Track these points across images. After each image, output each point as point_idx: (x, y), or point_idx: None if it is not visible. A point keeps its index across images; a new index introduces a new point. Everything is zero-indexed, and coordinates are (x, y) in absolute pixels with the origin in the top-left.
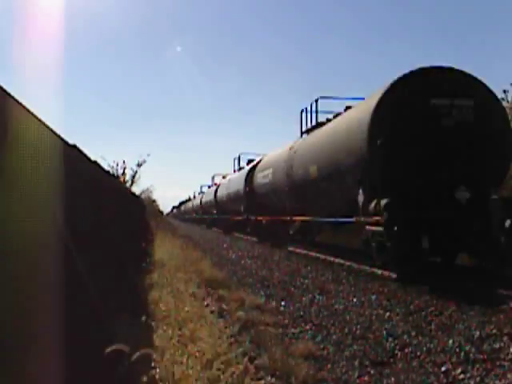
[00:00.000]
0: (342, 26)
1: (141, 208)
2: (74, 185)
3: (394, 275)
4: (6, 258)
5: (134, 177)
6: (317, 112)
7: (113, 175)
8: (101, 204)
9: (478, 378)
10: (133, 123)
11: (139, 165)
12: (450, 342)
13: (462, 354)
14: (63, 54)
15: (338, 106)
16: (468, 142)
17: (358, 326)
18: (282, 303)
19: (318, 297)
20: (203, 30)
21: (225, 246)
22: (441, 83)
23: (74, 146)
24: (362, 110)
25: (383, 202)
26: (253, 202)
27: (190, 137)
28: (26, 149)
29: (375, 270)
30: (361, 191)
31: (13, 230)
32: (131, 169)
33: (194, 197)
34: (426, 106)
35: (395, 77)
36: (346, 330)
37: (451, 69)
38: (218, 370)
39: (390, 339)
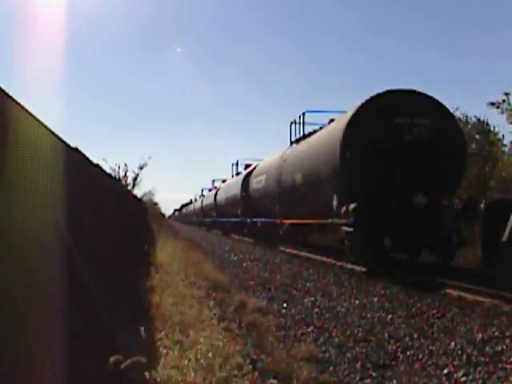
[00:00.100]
0: (344, 26)
1: (142, 211)
2: (76, 188)
3: (363, 269)
4: (6, 260)
5: (135, 179)
6: (303, 124)
7: (114, 178)
8: (102, 207)
9: (480, 381)
10: (134, 125)
11: (141, 167)
12: (452, 344)
13: (464, 356)
14: (65, 56)
15: (326, 118)
16: (426, 155)
17: (360, 329)
18: (284, 305)
19: (319, 299)
20: (203, 31)
21: (223, 247)
22: (403, 104)
23: (76, 149)
24: (336, 127)
25: (351, 206)
26: (248, 206)
27: (192, 139)
28: (27, 151)
29: (350, 265)
30: (335, 197)
31: (13, 232)
32: (133, 171)
33: (196, 200)
34: (389, 125)
35: (370, 95)
36: (348, 333)
37: (412, 91)
38: (220, 371)
39: (392, 342)
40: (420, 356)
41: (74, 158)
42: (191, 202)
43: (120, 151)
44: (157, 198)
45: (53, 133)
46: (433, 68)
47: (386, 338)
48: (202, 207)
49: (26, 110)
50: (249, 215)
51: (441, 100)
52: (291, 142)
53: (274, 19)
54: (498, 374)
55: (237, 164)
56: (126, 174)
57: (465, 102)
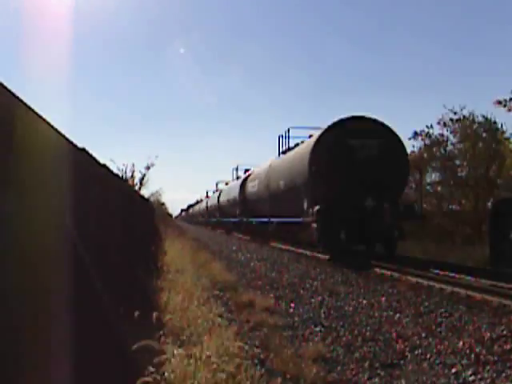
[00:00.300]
0: (348, 25)
1: (150, 211)
2: (84, 188)
3: (327, 257)
4: (15, 261)
5: (142, 180)
6: (288, 138)
7: (121, 178)
8: (109, 207)
9: (488, 380)
10: (141, 126)
11: (148, 167)
12: (461, 343)
13: (473, 355)
14: (70, 56)
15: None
16: (374, 169)
17: (368, 328)
18: (292, 305)
19: (327, 299)
20: (208, 32)
21: (231, 247)
22: (356, 129)
23: (83, 150)
24: (306, 148)
25: (316, 208)
26: (245, 207)
27: (198, 138)
28: (34, 151)
29: (317, 254)
30: (305, 200)
31: (22, 232)
32: (140, 172)
33: (202, 200)
34: (345, 145)
35: (334, 119)
36: (356, 332)
37: (363, 117)
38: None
39: (400, 341)
40: (428, 355)
41: (81, 158)
42: (197, 202)
43: (127, 151)
44: (164, 199)
45: (60, 133)
46: (439, 63)
47: (393, 337)
48: (206, 208)
49: (33, 111)
50: (246, 215)
51: (444, 99)
52: (279, 153)
53: (279, 19)
54: (507, 373)
55: (237, 169)
56: (133, 174)
57: (475, 99)
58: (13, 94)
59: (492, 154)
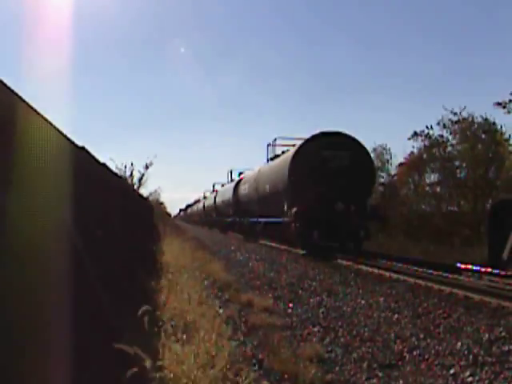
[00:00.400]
0: (352, 24)
1: (149, 210)
2: (83, 187)
3: (302, 252)
4: (14, 259)
5: (141, 179)
6: (275, 146)
7: (120, 177)
8: (109, 206)
9: (486, 381)
10: (141, 125)
11: (147, 167)
12: (459, 344)
13: (471, 356)
14: (71, 56)
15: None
16: (345, 177)
17: (366, 329)
18: (290, 305)
19: (325, 299)
20: (209, 31)
21: (229, 246)
22: (329, 142)
23: (83, 148)
24: (287, 158)
25: (293, 210)
26: (238, 208)
27: (198, 138)
28: (34, 150)
29: (296, 250)
30: (285, 203)
31: (22, 230)
32: (139, 171)
33: (199, 200)
34: (319, 156)
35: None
36: (354, 333)
37: (336, 133)
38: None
39: (399, 342)
40: (426, 356)
41: (81, 156)
42: (195, 202)
43: (126, 151)
44: (163, 198)
45: (60, 132)
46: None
47: (392, 338)
48: (204, 208)
49: (34, 110)
50: (238, 215)
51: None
52: (267, 160)
53: (283, 18)
54: (505, 375)
55: (231, 172)
56: (132, 173)
57: (479, 99)
58: (14, 93)
59: (491, 156)
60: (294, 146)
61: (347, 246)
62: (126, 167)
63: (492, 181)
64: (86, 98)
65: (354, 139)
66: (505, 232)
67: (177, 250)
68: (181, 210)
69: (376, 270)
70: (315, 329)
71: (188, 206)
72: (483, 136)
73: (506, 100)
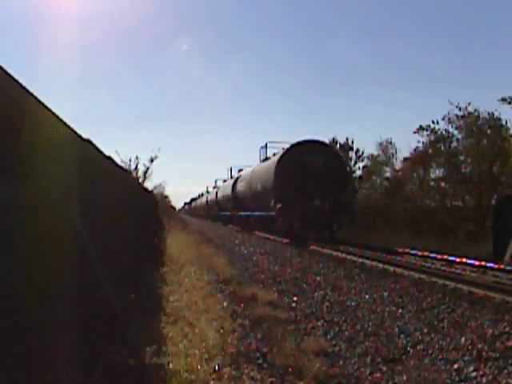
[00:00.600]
0: (359, 21)
1: (153, 204)
2: (88, 180)
3: (286, 241)
4: (20, 251)
5: (146, 172)
6: (266, 148)
7: (126, 170)
8: (114, 199)
9: (490, 376)
10: (146, 118)
11: (151, 160)
12: (463, 339)
13: (475, 351)
14: (76, 51)
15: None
16: (321, 178)
17: (370, 323)
18: (294, 299)
19: (329, 293)
20: (208, 30)
21: (234, 240)
22: (308, 149)
23: (88, 141)
24: (274, 161)
25: (278, 205)
26: (236, 203)
27: (202, 132)
28: (41, 143)
29: (281, 239)
30: (272, 200)
31: (30, 221)
32: (143, 164)
33: (203, 195)
34: (300, 161)
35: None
36: (358, 327)
37: (314, 141)
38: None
39: (402, 336)
40: (430, 351)
41: (86, 149)
42: (199, 196)
43: (131, 145)
44: (167, 191)
45: (67, 125)
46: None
47: (396, 333)
48: (207, 202)
49: (42, 103)
50: (236, 210)
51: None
52: (260, 160)
53: (288, 15)
54: (509, 370)
55: (231, 170)
56: (136, 166)
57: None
58: (20, 85)
59: (496, 151)
60: (283, 148)
61: (323, 236)
62: (130, 160)
63: (497, 176)
64: (92, 95)
65: (329, 146)
66: (509, 228)
67: (181, 244)
68: (185, 204)
69: (380, 265)
70: (319, 323)
71: (192, 200)
72: (488, 131)
73: None
